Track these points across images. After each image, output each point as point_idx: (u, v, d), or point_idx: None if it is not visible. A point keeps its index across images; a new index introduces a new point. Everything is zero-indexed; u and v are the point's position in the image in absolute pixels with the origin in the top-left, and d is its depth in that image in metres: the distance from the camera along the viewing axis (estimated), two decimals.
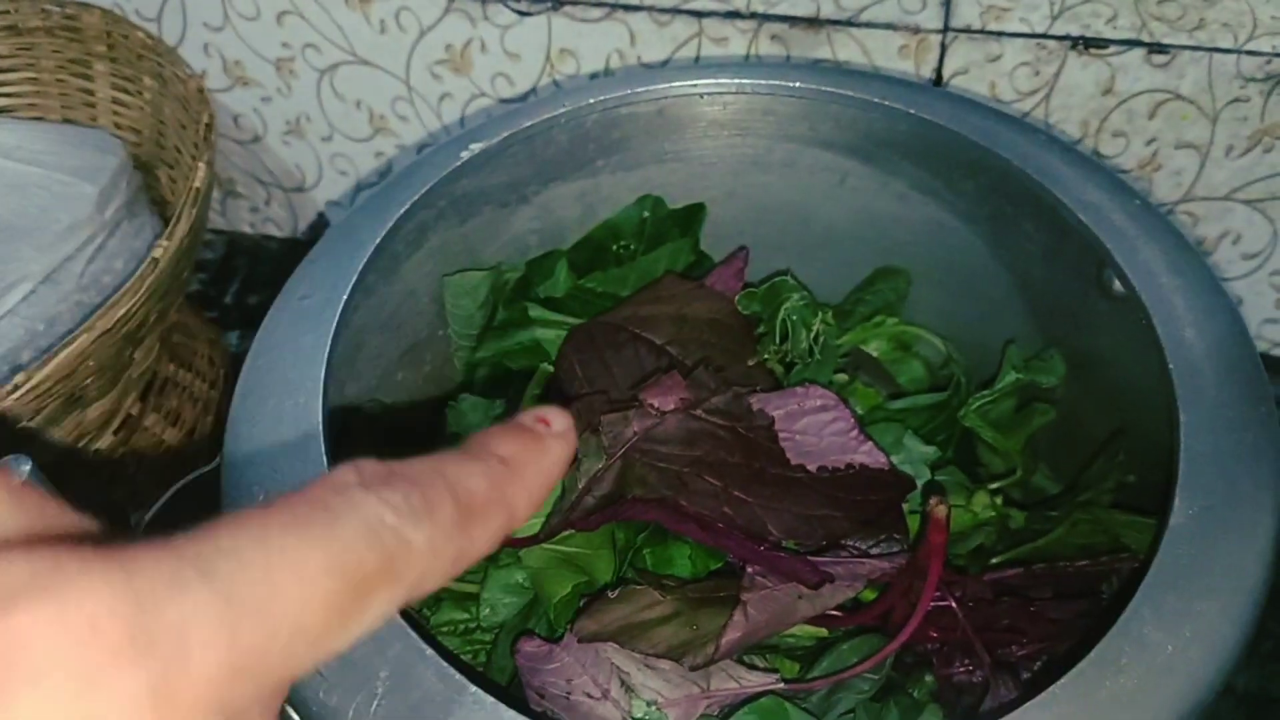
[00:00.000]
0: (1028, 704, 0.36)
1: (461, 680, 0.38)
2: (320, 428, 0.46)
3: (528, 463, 0.25)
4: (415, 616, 0.57)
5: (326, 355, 0.49)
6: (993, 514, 0.55)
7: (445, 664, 0.39)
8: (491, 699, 0.38)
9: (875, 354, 0.70)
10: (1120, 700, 0.36)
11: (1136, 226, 0.51)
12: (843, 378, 0.65)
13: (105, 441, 0.77)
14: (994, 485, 0.57)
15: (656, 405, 0.53)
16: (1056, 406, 0.62)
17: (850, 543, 0.50)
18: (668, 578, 0.50)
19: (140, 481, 0.79)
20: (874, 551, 0.51)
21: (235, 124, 0.92)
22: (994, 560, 0.54)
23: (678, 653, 0.46)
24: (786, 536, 0.49)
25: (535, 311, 0.66)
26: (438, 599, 0.58)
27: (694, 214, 0.69)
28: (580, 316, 0.66)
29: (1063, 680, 0.37)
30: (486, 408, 0.67)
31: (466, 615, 0.57)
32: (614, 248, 0.69)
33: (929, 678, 0.50)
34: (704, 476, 0.50)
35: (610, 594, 0.46)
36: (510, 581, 0.56)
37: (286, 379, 0.47)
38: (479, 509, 0.23)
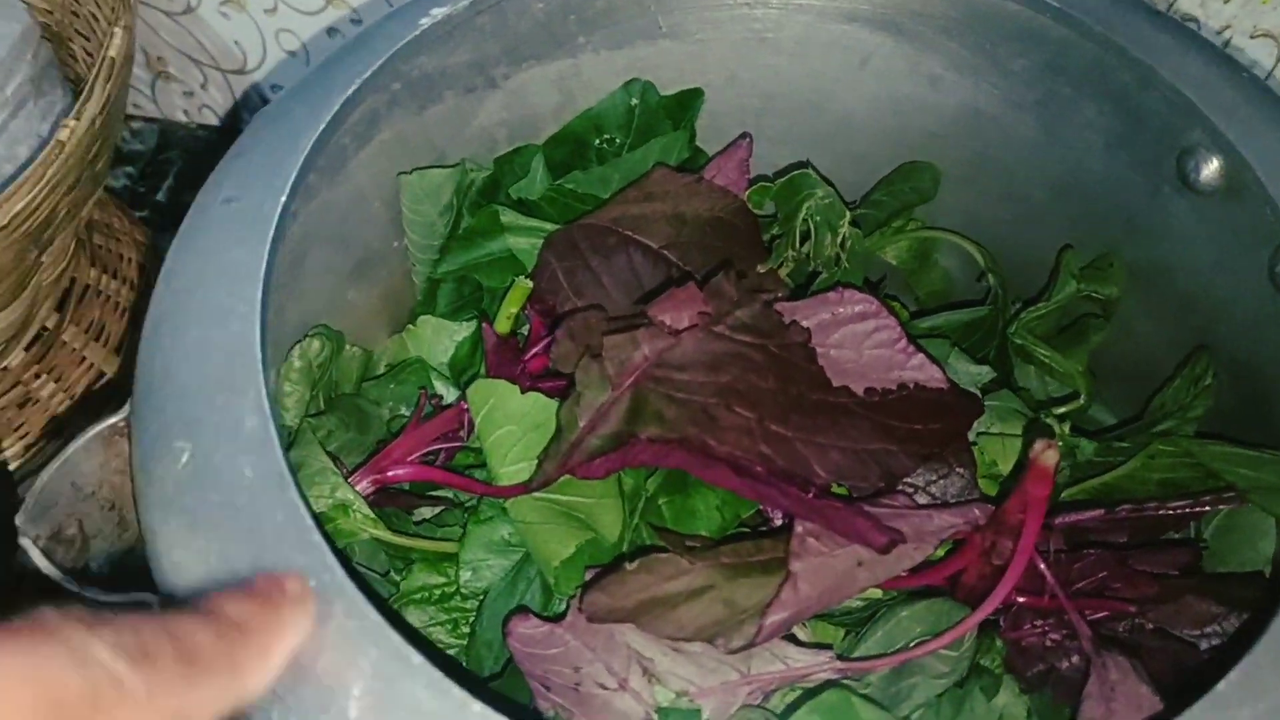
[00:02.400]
0: (1196, 706, 0.28)
1: (463, 697, 0.29)
2: (259, 363, 0.36)
3: (259, 627, 0.26)
4: (384, 585, 0.48)
5: (264, 271, 0.38)
6: (1054, 433, 0.47)
7: (439, 674, 0.30)
8: (502, 719, 0.29)
9: (894, 262, 0.62)
10: None
11: (1249, 104, 0.43)
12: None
13: (15, 358, 0.66)
14: (1058, 411, 0.49)
15: (670, 322, 0.43)
16: (1112, 323, 0.54)
17: (912, 482, 0.42)
18: (691, 537, 0.42)
19: (65, 415, 0.68)
20: (935, 489, 0.43)
21: None
22: (1061, 495, 0.47)
23: (710, 634, 0.37)
24: (836, 478, 0.41)
25: (507, 217, 0.56)
26: (409, 561, 0.49)
27: (688, 102, 0.59)
28: (559, 222, 0.57)
29: (1232, 676, 0.29)
30: (451, 331, 0.57)
31: (443, 579, 0.48)
32: (596, 142, 0.59)
33: (997, 642, 0.43)
34: (733, 408, 0.41)
35: (628, 565, 0.37)
36: (495, 538, 0.47)
37: (213, 303, 0.37)
38: (203, 665, 0.23)
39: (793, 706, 0.37)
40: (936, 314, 0.55)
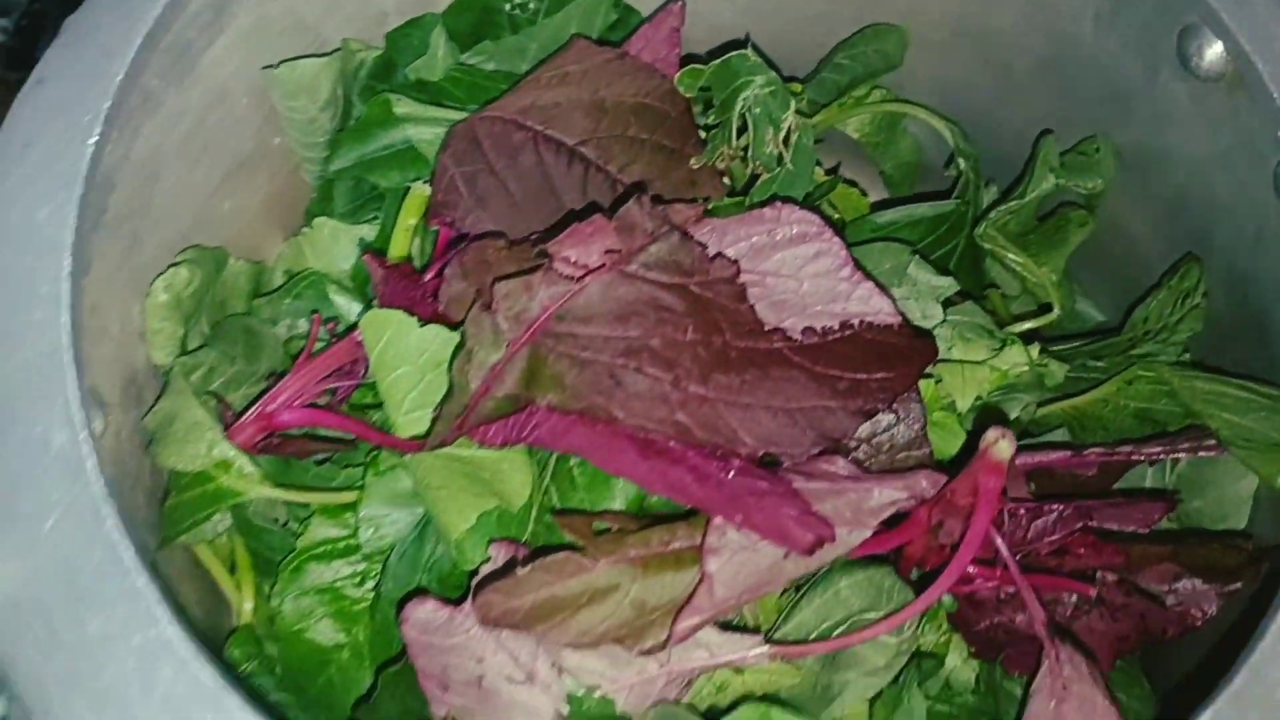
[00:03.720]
0: None
1: None
2: (69, 357, 0.30)
3: None
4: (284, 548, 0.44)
5: (73, 235, 0.32)
6: (1025, 370, 0.42)
7: None
8: None
9: (855, 135, 0.55)
10: None
11: None
12: (820, 175, 0.50)
13: None
14: (1024, 327, 0.44)
15: (573, 261, 0.37)
16: (1097, 216, 0.47)
17: (851, 442, 0.37)
18: (603, 514, 0.37)
19: None
20: (879, 441, 0.38)
21: None
22: (1035, 415, 0.42)
23: (616, 639, 0.33)
24: (764, 447, 0.36)
25: (402, 106, 0.48)
26: (307, 510, 0.45)
27: None
28: (467, 105, 0.49)
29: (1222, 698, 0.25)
30: (353, 234, 0.51)
31: (345, 530, 0.44)
32: (507, 7, 0.51)
33: (945, 598, 0.39)
34: (644, 369, 0.36)
35: (520, 569, 0.33)
36: (397, 490, 0.43)
37: (13, 282, 0.31)
38: None
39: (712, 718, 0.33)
40: (899, 209, 0.49)
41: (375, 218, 0.51)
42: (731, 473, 0.34)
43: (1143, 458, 0.38)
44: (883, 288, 0.38)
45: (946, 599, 0.40)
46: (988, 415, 0.39)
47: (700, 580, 0.32)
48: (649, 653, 0.33)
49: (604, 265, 0.37)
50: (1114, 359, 0.43)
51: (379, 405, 0.46)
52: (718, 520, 0.33)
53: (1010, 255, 0.45)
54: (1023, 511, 0.38)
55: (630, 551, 0.33)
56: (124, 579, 0.28)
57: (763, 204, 0.40)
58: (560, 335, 0.36)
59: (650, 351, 0.36)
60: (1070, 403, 0.43)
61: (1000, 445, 0.32)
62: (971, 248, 0.49)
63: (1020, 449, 0.41)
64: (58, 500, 0.29)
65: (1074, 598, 0.38)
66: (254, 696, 0.27)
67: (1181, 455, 0.38)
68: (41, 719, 0.28)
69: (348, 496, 0.44)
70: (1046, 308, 0.45)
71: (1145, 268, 0.46)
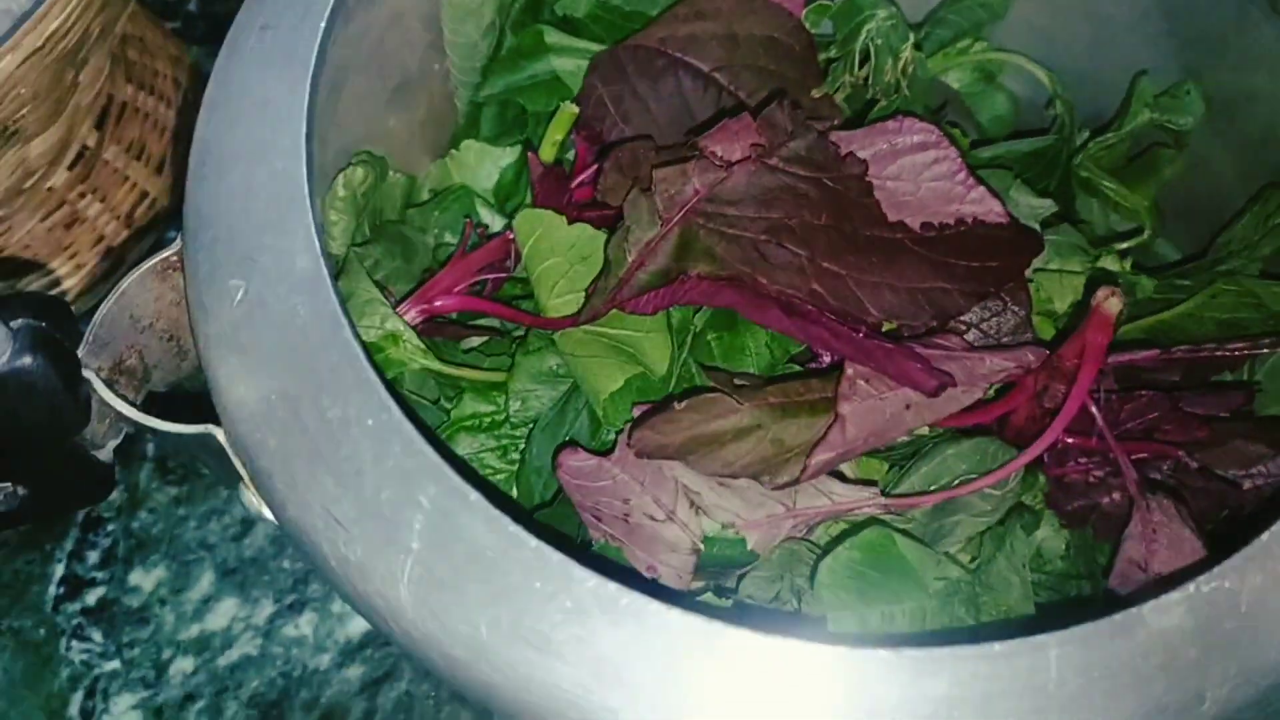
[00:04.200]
0: (1237, 556, 0.29)
1: (518, 532, 0.30)
2: (308, 200, 0.36)
3: None
4: (435, 411, 0.49)
5: (306, 105, 0.37)
6: (1119, 282, 0.46)
7: (496, 511, 0.31)
8: (559, 555, 0.30)
9: (956, 86, 0.59)
10: None
11: None
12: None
13: (59, 179, 0.67)
14: (1120, 246, 0.48)
15: (722, 154, 0.42)
16: (1184, 156, 0.51)
17: (965, 320, 0.41)
18: (740, 374, 0.42)
19: (114, 239, 0.69)
20: (988, 326, 0.43)
21: None
22: (1120, 331, 0.46)
23: (756, 472, 0.38)
24: (888, 317, 0.40)
25: (551, 36, 0.53)
26: (458, 389, 0.50)
27: None
28: (606, 42, 0.54)
29: (1276, 527, 0.29)
30: (496, 156, 0.56)
31: (493, 408, 0.49)
32: None
33: (1040, 478, 0.43)
34: (785, 244, 0.41)
35: (676, 404, 0.38)
36: (543, 369, 0.48)
37: (256, 139, 0.36)
38: None
39: (837, 540, 0.38)
40: (999, 144, 0.53)
41: (516, 143, 0.56)
42: (861, 334, 0.39)
43: (1226, 353, 0.42)
44: (994, 191, 0.43)
45: (1041, 480, 0.44)
46: (1096, 281, 0.43)
47: (834, 420, 0.37)
48: (784, 486, 0.38)
49: (748, 158, 0.42)
50: (1200, 277, 0.47)
51: (525, 297, 0.51)
52: (850, 371, 0.38)
53: (1105, 183, 0.49)
54: (1115, 397, 0.42)
55: (770, 397, 0.38)
56: (359, 373, 0.33)
57: (886, 118, 0.45)
58: (710, 215, 0.41)
59: (789, 231, 0.41)
60: (1158, 317, 0.47)
61: (1110, 301, 0.36)
62: (1066, 183, 0.53)
63: (1111, 347, 0.45)
64: (303, 312, 0.34)
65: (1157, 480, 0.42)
66: None
67: (1263, 350, 0.42)
68: (286, 490, 0.33)
69: (497, 376, 0.49)
70: (1138, 230, 0.49)
71: (1225, 207, 0.50)
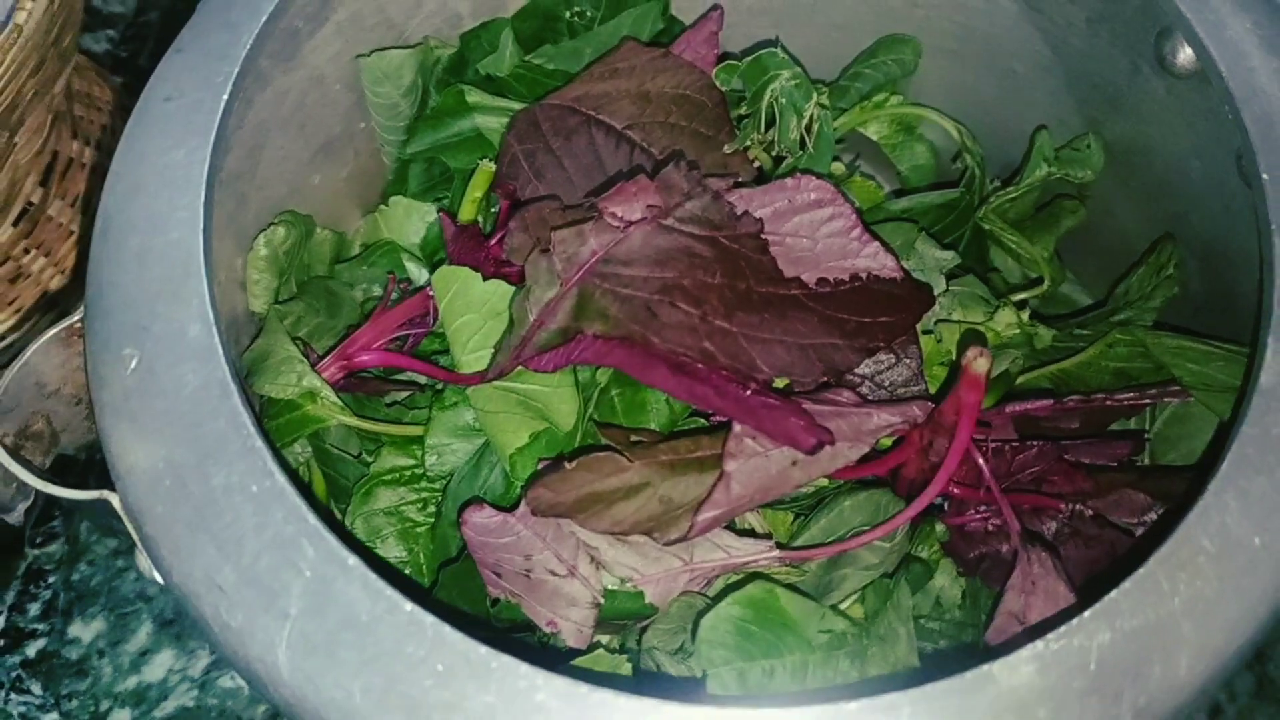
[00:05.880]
0: (1087, 613, 0.30)
1: (393, 596, 0.31)
2: (203, 270, 0.37)
3: None
4: (357, 466, 0.50)
5: (206, 174, 0.38)
6: (1017, 332, 0.47)
7: (373, 575, 0.31)
8: (432, 619, 0.31)
9: (875, 138, 0.60)
10: (1196, 609, 0.30)
11: None
12: (840, 169, 0.56)
13: (4, 234, 0.67)
14: (1018, 297, 0.49)
15: (621, 215, 0.43)
16: (1091, 204, 0.53)
17: (859, 372, 0.42)
18: (639, 431, 0.42)
19: (56, 286, 0.70)
20: (882, 379, 0.44)
21: None
22: (1018, 380, 0.47)
23: (646, 529, 0.39)
24: (779, 374, 0.41)
25: (473, 96, 0.55)
26: (377, 443, 0.51)
27: None
28: (529, 100, 0.56)
29: (1125, 585, 0.30)
30: (423, 211, 0.57)
31: (412, 461, 0.50)
32: (567, 15, 0.57)
33: (938, 527, 0.44)
34: (677, 304, 0.42)
35: (567, 463, 0.39)
36: (458, 424, 0.48)
37: (154, 209, 0.37)
38: None
39: (722, 595, 0.38)
40: (911, 196, 0.54)
41: (443, 198, 0.57)
42: (749, 391, 0.40)
43: (1116, 403, 0.43)
44: (888, 247, 0.44)
45: (940, 528, 0.45)
46: (967, 339, 0.45)
47: (719, 478, 0.38)
48: (673, 543, 0.38)
49: (646, 218, 0.43)
50: (1097, 327, 0.48)
51: (444, 352, 0.52)
52: (737, 429, 0.39)
53: (1007, 235, 0.50)
54: (1007, 449, 0.43)
55: (660, 455, 0.39)
56: (245, 440, 0.34)
57: (784, 176, 0.46)
58: (606, 275, 0.42)
59: (683, 290, 0.42)
60: (1057, 366, 0.48)
61: (978, 361, 0.37)
62: (977, 235, 0.54)
63: (1007, 399, 0.46)
64: (191, 380, 0.35)
65: (1053, 527, 0.43)
66: None
67: (1149, 401, 0.43)
68: (170, 557, 0.34)
69: (415, 430, 0.50)
70: (1039, 281, 0.51)
71: (1129, 252, 0.52)
